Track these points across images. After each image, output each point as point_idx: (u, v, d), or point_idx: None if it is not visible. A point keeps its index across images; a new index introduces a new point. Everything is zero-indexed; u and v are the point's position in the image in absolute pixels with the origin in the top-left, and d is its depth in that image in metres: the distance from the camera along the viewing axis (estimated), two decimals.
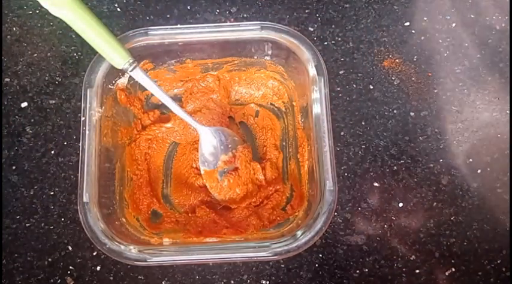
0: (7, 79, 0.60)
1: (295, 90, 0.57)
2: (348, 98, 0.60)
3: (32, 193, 0.56)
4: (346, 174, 0.57)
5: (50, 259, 0.54)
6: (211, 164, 0.55)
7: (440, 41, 0.62)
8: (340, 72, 0.61)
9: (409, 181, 0.57)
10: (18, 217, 0.55)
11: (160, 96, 0.50)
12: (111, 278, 0.54)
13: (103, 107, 0.50)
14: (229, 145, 0.55)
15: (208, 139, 0.54)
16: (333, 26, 0.62)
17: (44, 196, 0.56)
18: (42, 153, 0.57)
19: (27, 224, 0.55)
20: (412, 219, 0.55)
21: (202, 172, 0.55)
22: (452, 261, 0.54)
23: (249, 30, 0.51)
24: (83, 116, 0.48)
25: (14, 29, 0.62)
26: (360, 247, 0.55)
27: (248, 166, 0.55)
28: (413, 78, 0.61)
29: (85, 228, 0.46)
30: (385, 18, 0.63)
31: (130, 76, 0.54)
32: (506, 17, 0.63)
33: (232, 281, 0.54)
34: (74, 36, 0.61)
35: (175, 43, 0.51)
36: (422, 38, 0.62)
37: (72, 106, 0.59)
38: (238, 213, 0.54)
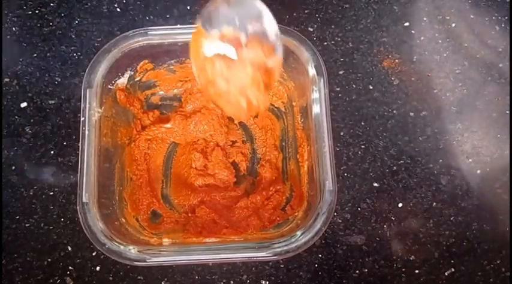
0: (7, 79, 0.60)
1: (295, 90, 0.57)
2: (347, 98, 0.60)
3: (31, 193, 0.56)
4: (345, 174, 0.57)
5: (49, 259, 0.54)
6: (209, 26, 0.41)
7: (440, 41, 0.62)
8: (340, 73, 0.61)
9: (409, 181, 0.57)
10: (17, 217, 0.55)
11: None
12: (111, 278, 0.54)
13: (102, 107, 0.50)
14: (249, 29, 0.41)
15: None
16: (333, 26, 0.62)
17: (44, 197, 0.56)
18: (41, 153, 0.57)
19: (26, 225, 0.55)
20: (412, 219, 0.55)
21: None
22: (452, 261, 0.54)
23: None
24: (83, 116, 0.48)
25: (14, 29, 0.62)
26: (359, 247, 0.55)
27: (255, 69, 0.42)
28: (413, 78, 0.61)
29: (84, 228, 0.46)
30: (385, 18, 0.63)
31: (130, 76, 0.54)
32: (506, 17, 0.62)
33: (231, 282, 0.54)
34: (73, 36, 0.61)
35: (175, 43, 0.51)
36: (422, 38, 0.62)
37: (72, 107, 0.59)
38: (238, 213, 0.54)
